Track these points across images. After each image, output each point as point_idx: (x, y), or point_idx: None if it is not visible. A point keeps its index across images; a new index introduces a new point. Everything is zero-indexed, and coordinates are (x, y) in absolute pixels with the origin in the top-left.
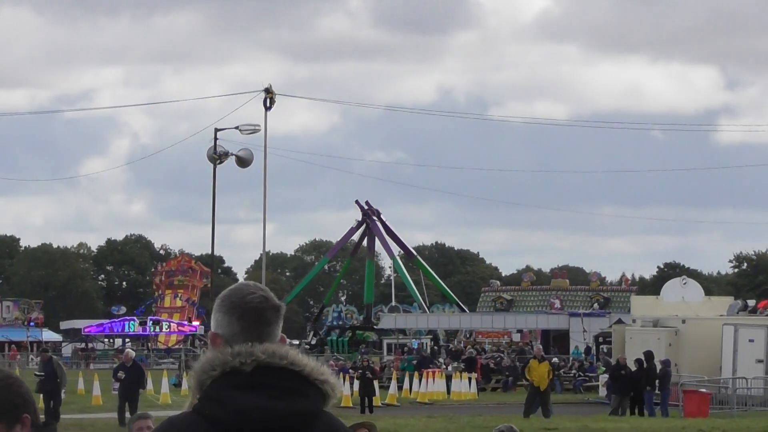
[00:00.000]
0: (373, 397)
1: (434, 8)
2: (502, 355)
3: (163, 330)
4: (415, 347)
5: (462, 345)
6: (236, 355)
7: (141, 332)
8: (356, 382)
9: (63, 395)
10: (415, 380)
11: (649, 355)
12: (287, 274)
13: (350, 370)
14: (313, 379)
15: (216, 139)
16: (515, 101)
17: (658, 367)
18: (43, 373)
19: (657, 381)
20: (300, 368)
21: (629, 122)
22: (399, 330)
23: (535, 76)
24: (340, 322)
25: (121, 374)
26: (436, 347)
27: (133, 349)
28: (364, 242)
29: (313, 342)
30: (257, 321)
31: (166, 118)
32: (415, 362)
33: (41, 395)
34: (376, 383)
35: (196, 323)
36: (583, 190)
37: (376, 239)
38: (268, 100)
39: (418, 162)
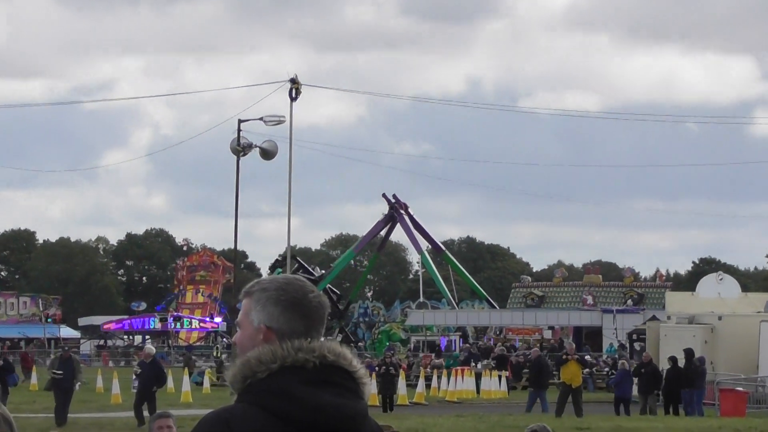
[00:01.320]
0: (396, 395)
1: None
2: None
3: (185, 327)
4: (444, 345)
5: (492, 342)
6: (299, 350)
7: (161, 329)
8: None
9: (77, 387)
10: (444, 378)
11: (689, 353)
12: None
13: (376, 368)
14: (360, 381)
15: (239, 130)
16: (545, 92)
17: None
18: (61, 372)
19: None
20: (355, 370)
21: (662, 114)
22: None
23: (565, 67)
24: (367, 318)
25: (137, 369)
26: (465, 344)
27: (153, 346)
28: (392, 237)
29: (338, 339)
30: (319, 321)
31: (187, 109)
32: (462, 359)
33: (54, 394)
34: (401, 380)
35: (218, 320)
36: (616, 183)
37: (404, 233)
38: (293, 91)
39: (447, 154)
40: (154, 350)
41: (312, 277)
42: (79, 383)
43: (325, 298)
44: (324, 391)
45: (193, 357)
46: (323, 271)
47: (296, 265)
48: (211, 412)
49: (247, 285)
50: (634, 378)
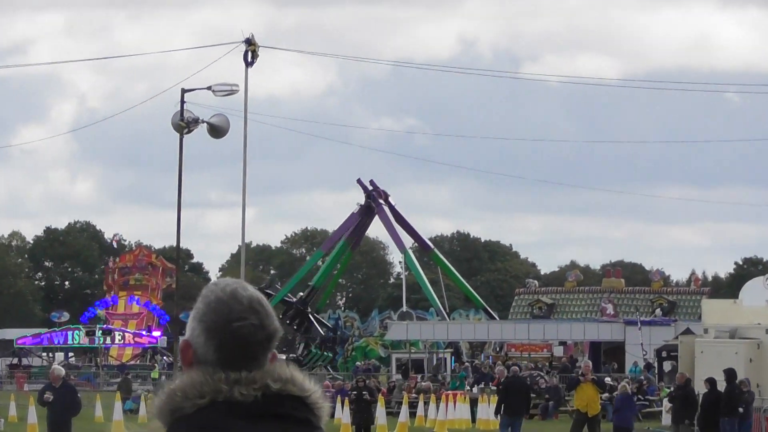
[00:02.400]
0: (373, 426)
1: None
2: (540, 373)
3: (116, 342)
4: (434, 364)
5: (491, 361)
6: (235, 383)
7: (88, 344)
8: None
9: None
10: (432, 405)
11: (731, 373)
12: (272, 271)
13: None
14: (315, 406)
15: (183, 102)
16: (554, 56)
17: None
18: None
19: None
20: (308, 394)
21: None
22: (410, 342)
23: (578, 25)
24: (338, 332)
25: (48, 396)
26: (457, 364)
27: (76, 366)
28: (369, 232)
29: (304, 356)
30: (239, 356)
31: (119, 76)
32: (471, 379)
33: None
34: (379, 408)
35: (157, 333)
36: (641, 166)
37: (384, 228)
38: (249, 54)
39: (435, 131)
40: (63, 371)
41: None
42: None
43: (269, 322)
44: (264, 426)
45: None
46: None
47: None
48: None
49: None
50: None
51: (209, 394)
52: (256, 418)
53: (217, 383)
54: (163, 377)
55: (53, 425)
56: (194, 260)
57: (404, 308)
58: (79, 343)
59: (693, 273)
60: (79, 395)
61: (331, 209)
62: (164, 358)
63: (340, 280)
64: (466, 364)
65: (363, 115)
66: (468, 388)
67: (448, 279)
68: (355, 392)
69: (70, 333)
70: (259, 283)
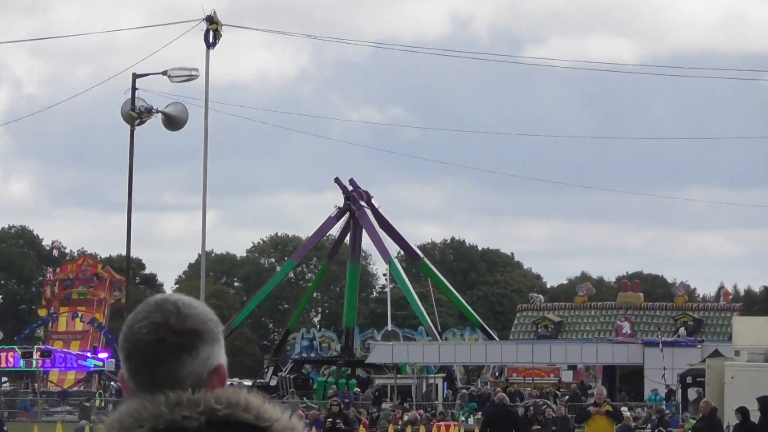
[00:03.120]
0: None
1: None
2: (547, 401)
3: (57, 365)
4: (423, 391)
5: (489, 387)
6: (174, 405)
7: (24, 367)
8: None
9: None
10: None
11: (766, 402)
12: (236, 284)
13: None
14: None
15: (134, 89)
16: (561, 37)
17: None
18: None
19: None
20: (267, 423)
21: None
22: (395, 366)
23: (589, 2)
24: (313, 354)
25: None
26: (450, 391)
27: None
28: (347, 239)
29: (273, 383)
30: (145, 362)
31: (60, 59)
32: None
33: None
34: None
35: (104, 355)
36: (662, 164)
37: (365, 234)
38: (210, 34)
39: (424, 123)
40: None
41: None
42: None
43: (173, 321)
44: None
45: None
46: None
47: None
48: None
49: None
50: None
51: (148, 422)
52: None
53: (156, 407)
54: (110, 406)
55: None
56: (146, 271)
57: (389, 327)
58: (13, 367)
59: (722, 286)
60: (5, 427)
61: (304, 213)
62: (112, 383)
63: (314, 295)
64: (464, 391)
65: (341, 104)
66: (462, 418)
67: (440, 293)
68: (329, 420)
69: (3, 354)
70: (221, 298)
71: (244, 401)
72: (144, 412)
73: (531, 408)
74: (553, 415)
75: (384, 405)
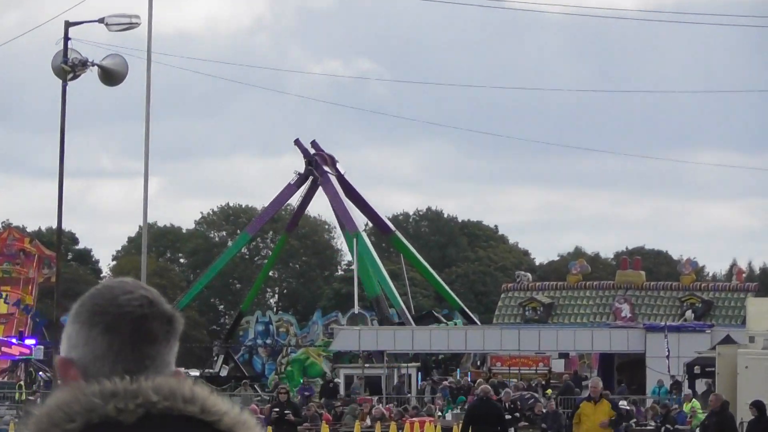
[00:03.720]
0: None
1: None
2: (535, 394)
3: None
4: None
5: (469, 378)
6: (109, 396)
7: None
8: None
9: None
10: None
11: None
12: (182, 260)
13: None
14: None
15: (67, 39)
16: None
17: None
18: None
19: None
20: (216, 418)
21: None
22: (366, 353)
23: None
24: (269, 340)
25: None
26: (426, 381)
27: None
28: (310, 209)
29: (223, 372)
30: (135, 336)
31: None
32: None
33: None
34: None
35: (31, 341)
36: (668, 123)
37: (329, 204)
38: None
39: (396, 77)
40: None
41: None
42: None
43: (161, 301)
44: None
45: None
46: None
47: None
48: None
49: None
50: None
51: (80, 416)
52: None
53: (88, 399)
54: (38, 398)
55: None
56: (80, 246)
57: (356, 309)
58: None
59: (734, 264)
60: None
61: (260, 180)
62: (40, 373)
63: (271, 273)
64: (444, 383)
65: (302, 56)
66: (439, 413)
67: (415, 271)
68: (275, 410)
69: None
70: (165, 276)
71: (189, 392)
72: (75, 405)
73: (518, 402)
74: (543, 410)
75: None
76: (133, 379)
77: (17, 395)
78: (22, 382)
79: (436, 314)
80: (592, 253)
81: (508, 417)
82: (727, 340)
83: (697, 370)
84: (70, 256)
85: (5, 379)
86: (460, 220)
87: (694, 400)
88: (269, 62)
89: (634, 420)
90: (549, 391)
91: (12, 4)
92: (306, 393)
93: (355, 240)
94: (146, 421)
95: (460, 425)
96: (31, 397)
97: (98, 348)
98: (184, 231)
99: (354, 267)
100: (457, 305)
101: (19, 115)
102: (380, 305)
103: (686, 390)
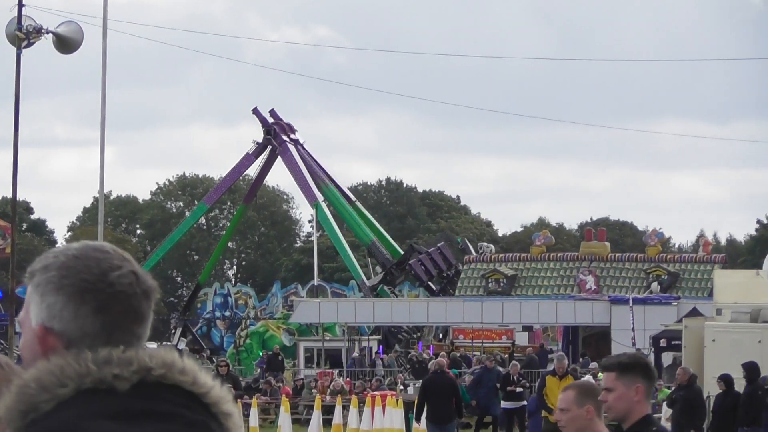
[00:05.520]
0: None
1: None
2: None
3: None
4: (355, 356)
5: (431, 352)
6: (103, 363)
7: None
8: None
9: None
10: (353, 410)
11: (752, 369)
12: (138, 231)
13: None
14: (216, 409)
15: (21, 5)
16: None
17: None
18: None
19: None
20: (203, 390)
21: None
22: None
23: None
24: (227, 313)
25: None
26: (385, 355)
27: None
28: (268, 180)
29: (181, 346)
30: (127, 316)
31: None
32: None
33: None
34: (282, 412)
35: None
36: (634, 92)
37: (288, 174)
38: None
39: (355, 43)
40: None
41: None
42: None
43: (146, 278)
44: (143, 427)
45: None
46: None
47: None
48: None
49: (33, 262)
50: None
51: (72, 380)
52: (131, 418)
53: (82, 365)
54: None
55: None
56: (35, 216)
57: (316, 281)
58: None
59: (701, 235)
60: None
61: (217, 149)
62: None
63: (229, 244)
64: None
65: (258, 23)
66: (401, 387)
67: (377, 242)
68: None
69: None
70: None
71: (180, 363)
72: (68, 369)
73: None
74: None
75: (309, 372)
76: (126, 348)
77: None
78: None
79: (415, 247)
80: (556, 224)
81: (519, 390)
82: (694, 313)
83: (663, 343)
84: (24, 227)
85: None
86: (420, 191)
87: (663, 388)
88: (226, 30)
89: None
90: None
91: None
92: (264, 366)
93: (314, 211)
94: (140, 388)
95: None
96: None
97: (89, 326)
98: (140, 201)
99: (314, 238)
100: None
101: None
102: (378, 250)
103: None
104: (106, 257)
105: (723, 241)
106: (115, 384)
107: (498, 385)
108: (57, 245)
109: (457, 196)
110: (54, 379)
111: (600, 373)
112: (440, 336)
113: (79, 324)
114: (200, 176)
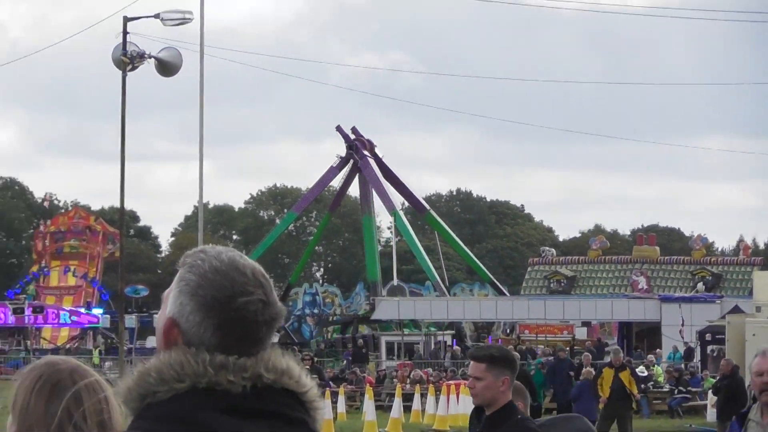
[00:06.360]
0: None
1: None
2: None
3: (50, 321)
4: (431, 349)
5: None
6: (221, 368)
7: (15, 324)
8: None
9: None
10: (430, 397)
11: None
12: (234, 237)
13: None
14: (311, 406)
15: (126, 33)
16: None
17: None
18: None
19: None
20: (304, 390)
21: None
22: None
23: None
24: (316, 310)
25: None
26: (459, 348)
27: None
28: (351, 190)
29: (274, 339)
30: (244, 338)
31: (45, 1)
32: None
33: None
34: (366, 400)
35: (98, 311)
36: (677, 111)
37: (369, 186)
38: None
39: (427, 68)
40: None
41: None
42: None
43: (273, 307)
44: (253, 423)
45: None
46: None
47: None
48: None
49: (190, 251)
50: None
51: (189, 378)
52: (242, 414)
53: (200, 366)
54: (106, 363)
55: None
56: (141, 223)
57: (395, 282)
58: (4, 323)
59: (741, 239)
60: None
61: (304, 163)
62: (109, 340)
63: (316, 248)
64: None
65: (339, 49)
66: None
67: (448, 246)
68: None
69: None
70: None
71: (287, 367)
72: (187, 368)
73: (545, 366)
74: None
75: (390, 363)
76: (241, 357)
77: (94, 359)
78: (101, 347)
79: None
80: (610, 230)
81: None
82: (736, 310)
83: (708, 337)
84: (131, 233)
85: (77, 345)
86: (488, 200)
87: (709, 377)
88: (311, 55)
89: (652, 383)
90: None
91: (72, 3)
92: (350, 358)
93: (392, 218)
94: (252, 392)
95: None
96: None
97: (207, 337)
98: (235, 209)
99: (393, 244)
100: (488, 278)
101: (83, 104)
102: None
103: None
104: (241, 281)
105: (761, 245)
106: (229, 387)
107: (572, 373)
108: (161, 248)
109: (522, 205)
110: (173, 373)
111: (649, 365)
112: (507, 331)
113: (200, 332)
114: (289, 187)
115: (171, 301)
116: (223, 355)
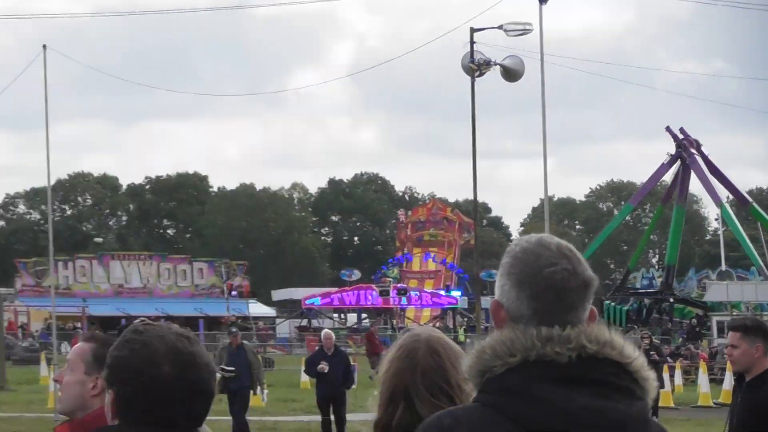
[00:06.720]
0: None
1: None
2: None
3: (413, 302)
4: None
5: None
6: (548, 341)
7: (382, 305)
8: None
9: (262, 393)
10: None
11: None
12: (578, 226)
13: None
14: (638, 375)
15: (473, 42)
16: None
17: None
18: (233, 369)
19: None
20: (629, 360)
21: None
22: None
23: None
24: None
25: (323, 366)
26: None
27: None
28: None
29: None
30: (555, 305)
31: (398, 14)
32: None
33: (228, 400)
34: (700, 374)
35: (456, 293)
36: None
37: (695, 180)
38: None
39: (746, 75)
40: (333, 335)
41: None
42: (259, 386)
43: (582, 269)
44: (580, 391)
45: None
46: None
47: None
48: (433, 415)
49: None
50: None
51: (520, 352)
52: (571, 383)
53: (528, 340)
54: (468, 340)
55: (325, 399)
56: (492, 214)
57: (723, 267)
58: (372, 304)
59: None
60: (351, 365)
61: (637, 160)
62: (465, 319)
63: (651, 237)
64: None
65: (666, 57)
66: None
67: None
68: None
69: (362, 293)
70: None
71: (610, 339)
72: (517, 343)
73: None
74: None
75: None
76: (564, 328)
77: (460, 337)
78: (464, 326)
79: None
80: None
81: None
82: None
83: None
84: (484, 223)
85: (438, 324)
86: None
87: None
88: (640, 62)
89: None
90: None
91: (422, 16)
92: (684, 336)
93: (719, 210)
94: (578, 362)
95: None
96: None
97: (524, 309)
98: (577, 202)
99: (720, 233)
100: None
101: (436, 106)
102: None
103: None
104: (546, 254)
105: None
106: (556, 358)
107: None
108: (511, 237)
109: None
110: (506, 349)
111: None
112: None
113: (517, 305)
114: (625, 182)
115: (496, 285)
116: (547, 328)
